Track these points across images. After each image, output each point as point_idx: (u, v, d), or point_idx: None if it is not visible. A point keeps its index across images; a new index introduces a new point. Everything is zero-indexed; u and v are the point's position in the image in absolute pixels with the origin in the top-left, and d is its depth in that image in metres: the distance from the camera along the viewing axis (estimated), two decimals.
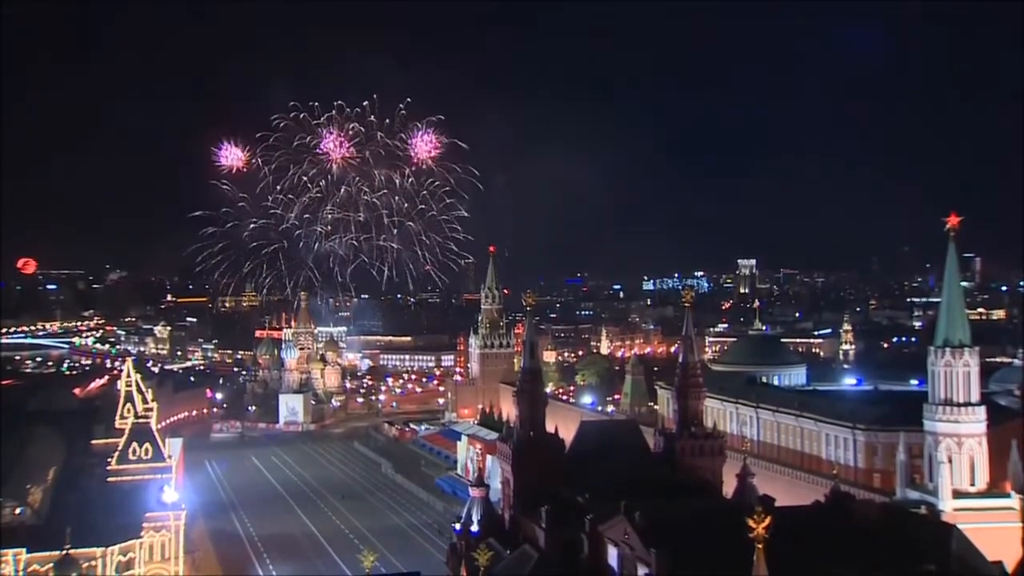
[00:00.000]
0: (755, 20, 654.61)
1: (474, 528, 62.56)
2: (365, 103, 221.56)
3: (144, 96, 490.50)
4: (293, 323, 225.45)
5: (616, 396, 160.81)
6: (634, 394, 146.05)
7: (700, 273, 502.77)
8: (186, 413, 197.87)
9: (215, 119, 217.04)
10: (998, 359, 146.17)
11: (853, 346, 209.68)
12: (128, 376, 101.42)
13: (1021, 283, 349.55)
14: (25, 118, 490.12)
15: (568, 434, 67.26)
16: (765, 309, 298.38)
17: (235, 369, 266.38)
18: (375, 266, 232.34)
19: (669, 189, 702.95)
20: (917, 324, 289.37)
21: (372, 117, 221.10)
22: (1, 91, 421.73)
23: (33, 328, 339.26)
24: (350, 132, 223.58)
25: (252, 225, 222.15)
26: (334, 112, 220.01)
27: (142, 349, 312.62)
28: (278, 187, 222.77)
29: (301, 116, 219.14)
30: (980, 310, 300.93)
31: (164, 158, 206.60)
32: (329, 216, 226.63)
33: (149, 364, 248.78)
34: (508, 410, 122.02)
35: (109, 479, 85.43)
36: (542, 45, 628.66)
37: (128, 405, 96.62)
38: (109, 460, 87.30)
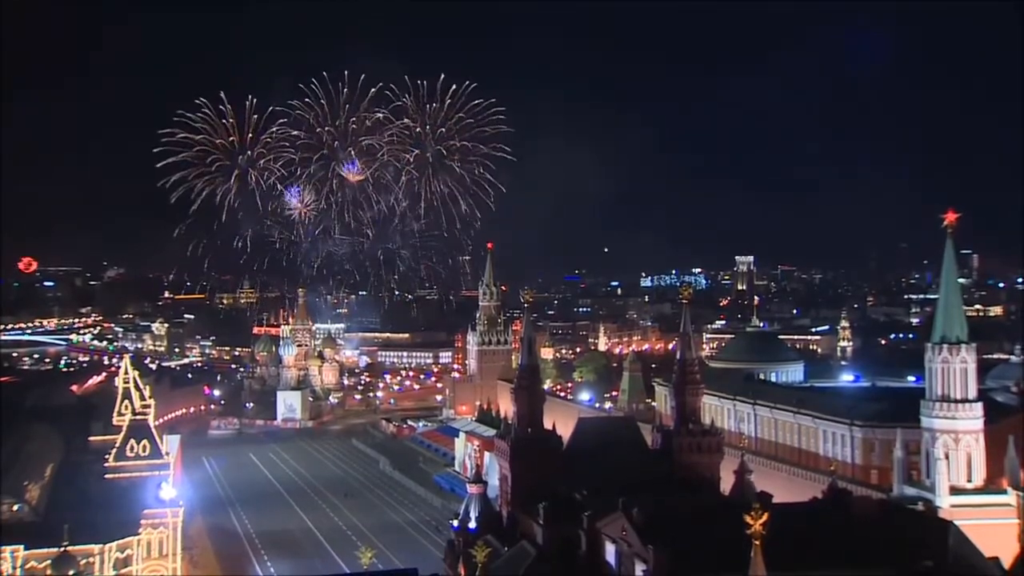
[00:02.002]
0: (752, 17, 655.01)
1: (472, 525, 62.52)
2: (372, 103, 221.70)
3: (143, 93, 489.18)
4: (291, 320, 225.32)
5: (614, 393, 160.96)
6: (632, 391, 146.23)
7: (698, 270, 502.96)
8: (184, 410, 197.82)
9: (217, 112, 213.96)
10: (995, 355, 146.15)
11: (851, 343, 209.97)
12: (126, 373, 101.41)
13: (1019, 279, 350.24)
14: (24, 115, 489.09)
15: (566, 431, 67.26)
16: (763, 306, 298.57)
17: (233, 366, 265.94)
18: (374, 263, 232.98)
19: (667, 186, 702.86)
20: (914, 320, 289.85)
21: (378, 114, 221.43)
22: (1, 89, 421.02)
23: (31, 325, 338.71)
24: (354, 138, 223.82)
25: (253, 227, 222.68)
26: (341, 115, 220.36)
27: (140, 346, 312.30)
28: (278, 186, 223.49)
29: (303, 114, 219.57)
30: (977, 306, 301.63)
31: (163, 154, 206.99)
32: (331, 221, 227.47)
33: (147, 361, 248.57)
34: (506, 407, 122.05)
35: (107, 476, 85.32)
36: (541, 43, 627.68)
37: (126, 402, 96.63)
38: (107, 457, 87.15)
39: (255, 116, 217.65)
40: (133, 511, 79.12)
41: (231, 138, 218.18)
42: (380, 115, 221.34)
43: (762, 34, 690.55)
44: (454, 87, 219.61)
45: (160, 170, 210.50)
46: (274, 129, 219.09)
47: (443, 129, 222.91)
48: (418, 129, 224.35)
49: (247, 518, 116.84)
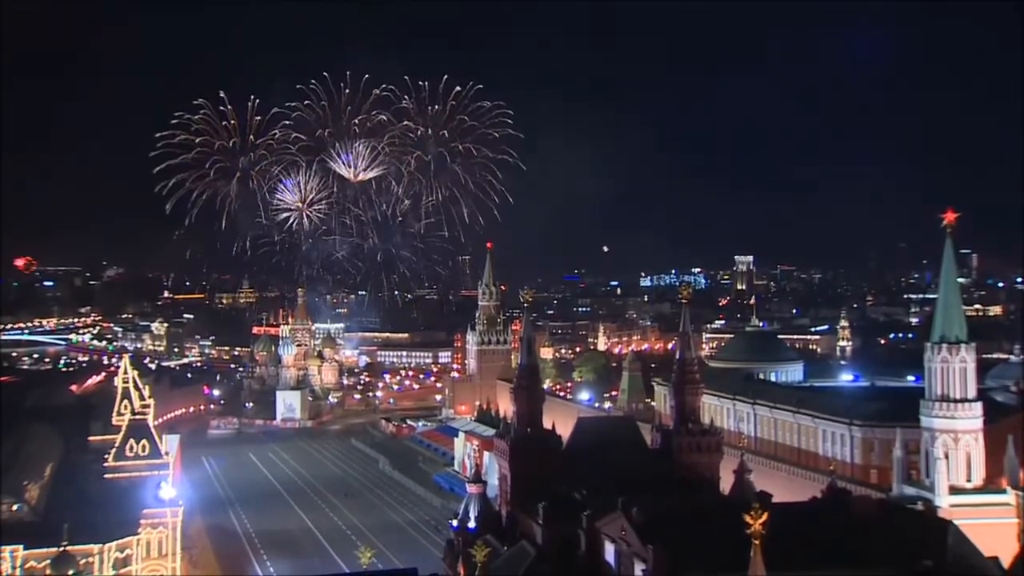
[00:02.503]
0: (752, 17, 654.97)
1: (471, 524, 62.52)
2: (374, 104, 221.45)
3: (143, 93, 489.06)
4: (290, 319, 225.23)
5: (613, 392, 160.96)
6: (631, 390, 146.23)
7: (697, 270, 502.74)
8: (183, 410, 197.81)
9: (217, 109, 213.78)
10: (995, 355, 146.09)
11: (850, 342, 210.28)
12: (125, 372, 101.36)
13: (1018, 279, 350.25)
14: (23, 115, 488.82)
15: (565, 430, 67.26)
16: (762, 305, 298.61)
17: (232, 365, 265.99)
18: (374, 263, 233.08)
19: (667, 186, 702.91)
20: (914, 320, 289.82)
21: (379, 115, 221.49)
22: (1, 88, 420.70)
23: (30, 325, 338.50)
24: (355, 139, 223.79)
25: (253, 228, 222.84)
26: (343, 117, 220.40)
27: (139, 346, 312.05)
28: (279, 185, 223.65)
29: (303, 115, 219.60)
30: (977, 306, 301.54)
31: (162, 157, 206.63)
32: (331, 222, 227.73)
33: (146, 361, 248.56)
34: (505, 406, 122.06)
35: (106, 476, 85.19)
36: (541, 43, 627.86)
37: (125, 402, 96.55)
38: (106, 457, 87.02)
39: (257, 118, 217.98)
40: (132, 511, 79.09)
41: (232, 139, 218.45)
42: (382, 117, 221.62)
43: (762, 34, 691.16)
44: (458, 89, 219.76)
45: (159, 174, 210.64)
46: (276, 133, 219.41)
47: (445, 132, 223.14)
48: (420, 131, 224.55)
49: (246, 518, 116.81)
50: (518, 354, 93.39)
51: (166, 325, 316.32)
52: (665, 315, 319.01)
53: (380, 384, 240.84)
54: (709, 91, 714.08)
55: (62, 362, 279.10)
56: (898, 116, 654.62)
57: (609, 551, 51.51)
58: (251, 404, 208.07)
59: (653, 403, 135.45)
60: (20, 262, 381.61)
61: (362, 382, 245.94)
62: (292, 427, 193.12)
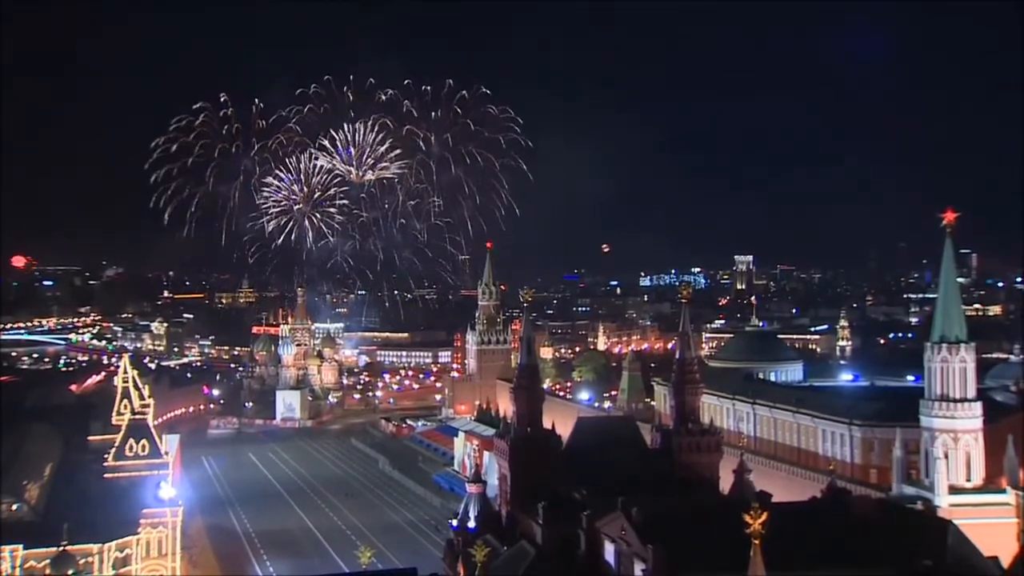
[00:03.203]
0: (751, 18, 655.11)
1: (471, 524, 62.52)
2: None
3: (144, 92, 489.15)
4: (290, 319, 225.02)
5: (613, 392, 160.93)
6: (631, 390, 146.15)
7: (697, 269, 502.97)
8: (183, 409, 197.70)
9: (218, 112, 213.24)
10: (994, 355, 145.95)
11: (850, 342, 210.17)
12: (125, 372, 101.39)
13: (1017, 279, 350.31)
14: (23, 114, 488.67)
15: (565, 430, 67.25)
16: (762, 305, 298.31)
17: (232, 365, 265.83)
18: (374, 263, 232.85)
19: (666, 186, 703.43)
20: (913, 320, 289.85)
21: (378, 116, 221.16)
22: (1, 88, 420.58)
23: (30, 324, 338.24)
24: (357, 140, 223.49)
25: (253, 229, 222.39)
26: (345, 118, 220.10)
27: (139, 345, 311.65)
28: (276, 184, 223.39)
29: (305, 117, 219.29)
30: (976, 306, 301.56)
31: (162, 160, 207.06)
32: (331, 222, 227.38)
33: (146, 360, 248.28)
34: (505, 406, 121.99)
35: (106, 475, 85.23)
36: (541, 43, 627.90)
37: (125, 401, 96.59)
38: (106, 456, 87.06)
39: (261, 122, 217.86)
40: (132, 511, 79.09)
41: (235, 143, 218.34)
42: (385, 120, 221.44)
43: (762, 34, 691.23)
44: (464, 93, 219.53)
45: (159, 178, 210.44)
46: (279, 136, 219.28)
47: (448, 136, 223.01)
48: (423, 134, 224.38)
49: (246, 518, 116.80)
50: (518, 354, 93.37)
51: (166, 325, 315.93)
52: (665, 315, 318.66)
53: (380, 384, 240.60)
54: (709, 91, 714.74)
55: (62, 362, 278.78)
56: (898, 116, 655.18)
57: (609, 551, 51.51)
58: (251, 404, 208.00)
59: (653, 403, 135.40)
60: (20, 262, 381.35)
61: (362, 382, 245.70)
62: (292, 427, 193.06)
